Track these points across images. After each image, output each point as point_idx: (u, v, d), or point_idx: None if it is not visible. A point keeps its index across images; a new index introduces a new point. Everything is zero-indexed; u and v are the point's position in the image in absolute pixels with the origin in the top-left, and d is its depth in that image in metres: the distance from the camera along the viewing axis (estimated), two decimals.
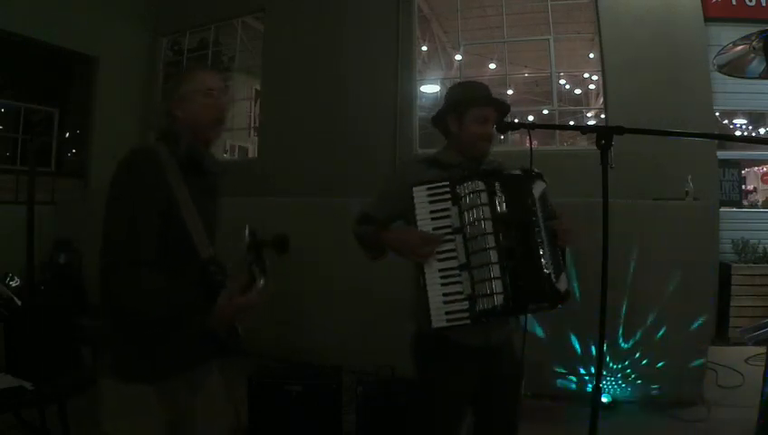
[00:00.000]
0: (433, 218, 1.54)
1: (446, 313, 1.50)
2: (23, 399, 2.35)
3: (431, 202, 1.55)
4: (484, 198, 1.52)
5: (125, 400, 1.33)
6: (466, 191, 1.53)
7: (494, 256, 1.50)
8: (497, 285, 1.48)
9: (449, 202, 1.54)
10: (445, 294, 1.51)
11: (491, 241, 1.50)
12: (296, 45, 5.79)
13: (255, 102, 7.34)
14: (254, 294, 1.26)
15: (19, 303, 3.25)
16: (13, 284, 4.24)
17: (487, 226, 1.51)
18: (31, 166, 2.11)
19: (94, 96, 6.13)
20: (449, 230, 1.54)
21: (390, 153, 5.34)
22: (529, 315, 1.69)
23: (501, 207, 1.53)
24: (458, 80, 6.18)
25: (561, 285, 1.56)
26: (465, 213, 1.53)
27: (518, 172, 1.64)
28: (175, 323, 1.26)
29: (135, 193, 1.25)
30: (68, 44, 5.81)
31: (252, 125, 7.53)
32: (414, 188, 1.55)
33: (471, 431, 1.80)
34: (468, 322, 1.50)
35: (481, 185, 1.53)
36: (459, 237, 1.53)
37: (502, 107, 1.75)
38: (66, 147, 6.34)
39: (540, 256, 1.54)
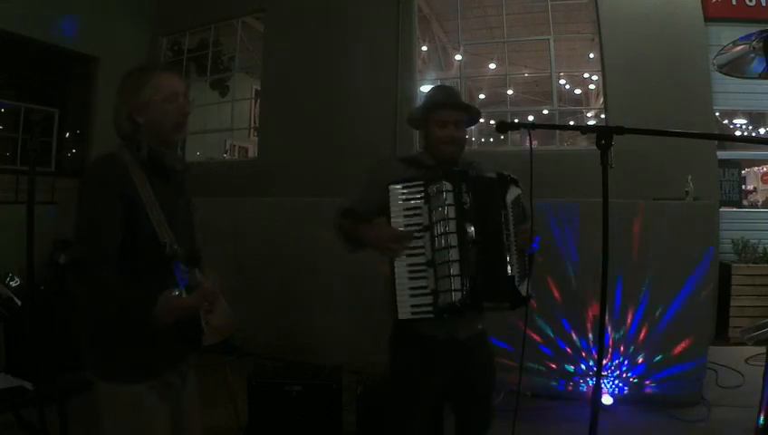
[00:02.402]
0: (406, 216, 1.63)
1: (412, 305, 1.59)
2: (23, 399, 2.35)
3: (405, 200, 1.63)
4: (450, 198, 1.59)
5: (124, 401, 1.36)
6: (435, 191, 1.60)
7: (454, 254, 1.57)
8: (456, 282, 1.55)
9: (422, 201, 1.62)
10: (411, 288, 1.60)
11: (453, 240, 1.57)
12: (296, 45, 5.78)
13: (255, 102, 7.34)
14: (192, 296, 1.32)
15: (19, 303, 3.25)
16: (13, 284, 4.23)
17: (451, 225, 1.58)
18: (31, 166, 2.11)
19: (94, 96, 6.13)
20: (420, 228, 1.62)
21: (390, 153, 5.33)
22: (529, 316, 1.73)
23: (467, 207, 1.60)
24: (458, 80, 6.19)
25: (523, 289, 1.63)
26: (433, 212, 1.60)
27: (492, 176, 1.70)
28: (135, 318, 1.30)
29: (98, 198, 1.31)
30: (68, 44, 5.81)
31: (252, 125, 7.53)
32: (390, 186, 1.64)
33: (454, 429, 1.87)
34: (431, 316, 1.57)
35: (448, 186, 1.60)
36: (428, 235, 1.61)
37: (461, 109, 1.78)
38: (66, 147, 6.34)
39: (505, 258, 1.62)
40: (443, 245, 1.58)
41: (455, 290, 1.55)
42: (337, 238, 1.86)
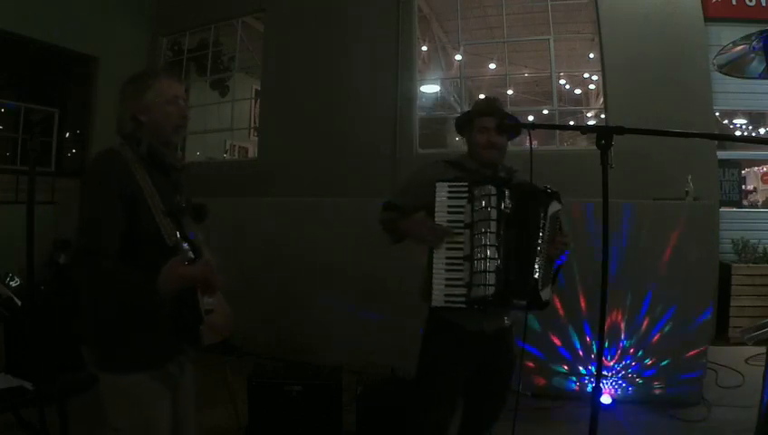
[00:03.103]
0: (449, 212, 1.76)
1: (446, 295, 1.73)
2: (23, 399, 2.35)
3: (450, 198, 1.76)
4: (494, 201, 1.71)
5: (127, 391, 1.38)
6: (481, 193, 1.73)
7: (492, 252, 1.70)
8: (490, 278, 1.68)
9: (465, 200, 1.75)
10: (447, 279, 1.73)
11: (493, 239, 1.70)
12: (296, 45, 5.78)
13: (255, 102, 7.34)
14: (198, 266, 1.35)
15: (19, 303, 3.25)
16: (13, 284, 4.23)
17: (492, 226, 1.70)
18: (31, 166, 2.11)
19: (94, 96, 6.13)
20: (461, 224, 1.75)
21: (390, 153, 5.33)
22: (530, 315, 1.78)
23: (508, 212, 1.72)
24: (458, 80, 6.20)
25: (545, 295, 1.77)
26: (476, 212, 1.73)
27: (538, 188, 1.83)
28: (136, 308, 1.33)
29: (99, 194, 1.35)
30: (68, 44, 5.81)
31: (252, 125, 7.53)
32: (437, 183, 1.77)
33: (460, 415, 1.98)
34: (463, 306, 1.71)
35: (493, 190, 1.72)
36: (468, 232, 1.74)
37: (500, 117, 1.90)
38: (66, 147, 6.34)
39: (534, 263, 1.75)
40: (482, 243, 1.70)
41: (489, 285, 1.68)
42: (382, 231, 1.99)
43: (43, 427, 2.16)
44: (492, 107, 1.94)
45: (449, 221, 1.76)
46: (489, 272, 1.68)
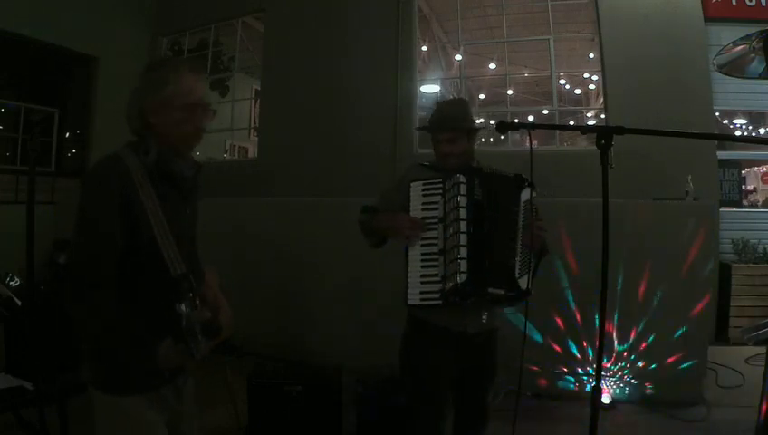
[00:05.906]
0: (423, 209, 1.76)
1: (421, 292, 1.70)
2: (23, 399, 2.35)
3: (424, 195, 1.76)
4: (462, 189, 1.69)
5: (121, 413, 1.31)
6: (450, 185, 1.72)
7: (463, 239, 1.66)
8: (462, 265, 1.64)
9: (439, 196, 1.75)
10: (422, 275, 1.71)
11: (463, 227, 1.67)
12: (296, 45, 5.79)
13: (255, 102, 7.34)
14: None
15: (19, 303, 3.25)
16: (13, 284, 4.23)
17: (461, 213, 1.68)
18: (31, 166, 2.11)
19: (94, 96, 6.13)
20: (436, 220, 1.74)
21: (390, 153, 5.34)
22: (529, 316, 1.77)
23: (478, 199, 1.70)
24: (458, 80, 6.20)
25: (522, 283, 1.72)
26: (447, 204, 1.72)
27: (509, 175, 1.83)
28: (132, 345, 1.23)
29: (98, 208, 1.22)
30: (68, 44, 5.81)
31: (252, 125, 7.53)
32: (411, 184, 1.78)
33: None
34: (439, 302, 1.67)
35: (462, 178, 1.71)
36: (441, 226, 1.73)
37: (445, 130, 1.85)
38: (66, 147, 6.34)
39: (508, 249, 1.72)
40: (452, 232, 1.67)
41: (461, 272, 1.63)
42: (360, 235, 1.97)
43: (43, 427, 2.16)
44: (439, 120, 1.90)
45: (424, 218, 1.75)
46: (461, 259, 1.63)
